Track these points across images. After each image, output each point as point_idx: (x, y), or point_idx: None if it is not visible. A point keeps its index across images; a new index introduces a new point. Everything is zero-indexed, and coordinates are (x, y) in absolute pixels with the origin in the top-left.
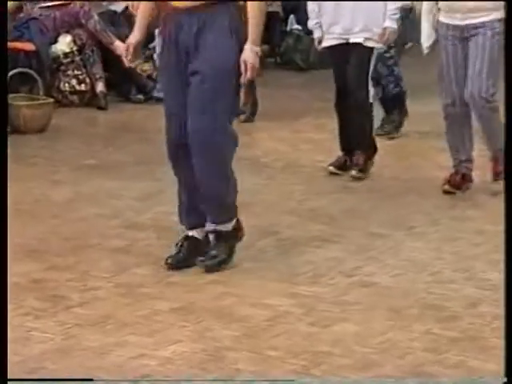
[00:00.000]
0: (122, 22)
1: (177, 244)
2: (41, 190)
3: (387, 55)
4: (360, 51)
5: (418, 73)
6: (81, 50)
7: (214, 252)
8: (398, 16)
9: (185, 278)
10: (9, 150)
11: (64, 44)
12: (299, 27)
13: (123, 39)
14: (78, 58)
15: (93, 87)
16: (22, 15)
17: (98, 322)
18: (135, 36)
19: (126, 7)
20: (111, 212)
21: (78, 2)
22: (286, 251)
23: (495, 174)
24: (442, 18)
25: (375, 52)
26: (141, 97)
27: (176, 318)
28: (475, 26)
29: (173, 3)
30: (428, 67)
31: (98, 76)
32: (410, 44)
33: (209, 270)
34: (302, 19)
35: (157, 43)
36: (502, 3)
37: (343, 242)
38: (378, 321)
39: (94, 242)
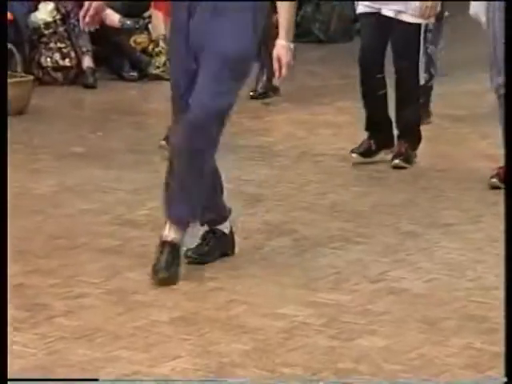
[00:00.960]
0: None
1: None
2: (20, 181)
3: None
4: (401, 27)
5: (453, 47)
6: (65, 20)
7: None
8: None
9: (186, 284)
10: None
11: (45, 12)
12: None
13: (117, 9)
14: (61, 29)
15: (79, 62)
16: None
17: (85, 334)
18: None
19: None
20: (101, 207)
21: None
22: (302, 253)
23: None
24: None
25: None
26: (134, 74)
27: (175, 330)
28: None
29: None
30: (465, 41)
31: (84, 49)
32: (447, 13)
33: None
34: None
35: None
36: None
37: (369, 243)
38: (409, 334)
39: (81, 241)
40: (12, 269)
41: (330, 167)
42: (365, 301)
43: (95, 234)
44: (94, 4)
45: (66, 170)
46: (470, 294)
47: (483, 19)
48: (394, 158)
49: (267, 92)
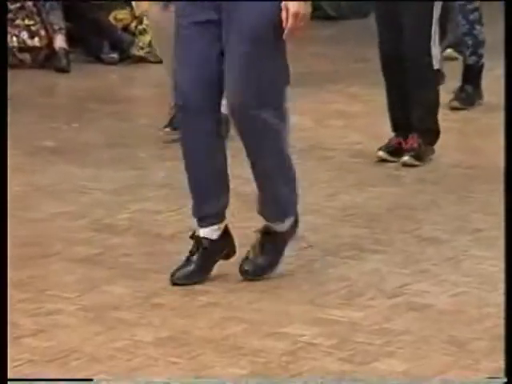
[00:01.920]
0: None
1: None
2: None
3: (470, 7)
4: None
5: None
6: None
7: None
8: None
9: (174, 299)
10: None
11: None
12: None
13: None
14: (30, 3)
15: (50, 42)
16: None
17: (58, 356)
18: None
19: None
20: (77, 210)
21: None
22: (309, 263)
23: None
24: None
25: (436, 3)
26: (115, 55)
27: (163, 352)
28: None
29: None
30: (494, 20)
31: (56, 27)
32: None
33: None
34: None
35: None
36: None
37: (385, 251)
38: (433, 356)
39: (54, 249)
40: None
41: (341, 164)
42: (381, 318)
43: (70, 240)
44: None
45: (36, 168)
46: (503, 311)
47: None
48: (404, 153)
49: None
